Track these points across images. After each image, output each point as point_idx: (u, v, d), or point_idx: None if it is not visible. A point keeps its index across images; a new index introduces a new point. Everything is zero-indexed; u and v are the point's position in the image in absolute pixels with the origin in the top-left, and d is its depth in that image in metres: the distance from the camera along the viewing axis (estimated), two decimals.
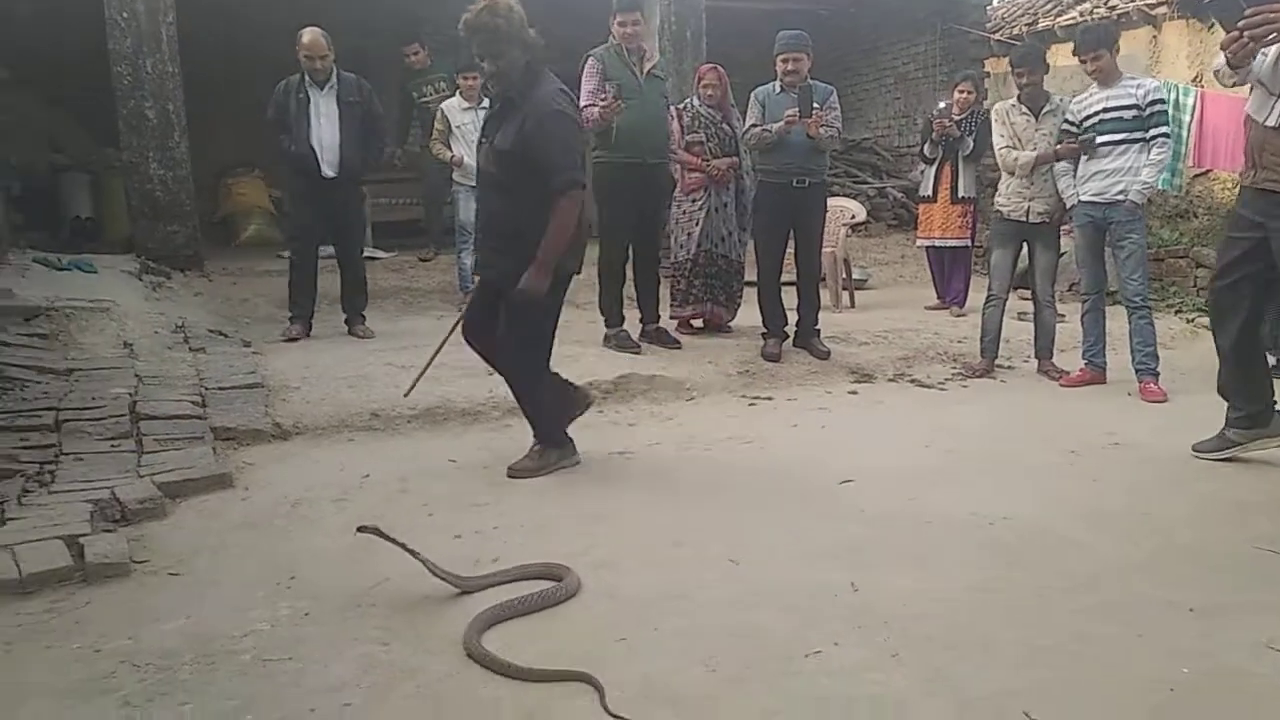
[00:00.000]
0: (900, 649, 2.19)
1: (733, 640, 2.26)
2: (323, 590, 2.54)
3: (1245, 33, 3.11)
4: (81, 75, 7.37)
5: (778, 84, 5.45)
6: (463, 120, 6.52)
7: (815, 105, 5.22)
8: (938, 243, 7.11)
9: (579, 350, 5.43)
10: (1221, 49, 3.33)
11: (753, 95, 5.53)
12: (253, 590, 2.54)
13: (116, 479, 3.25)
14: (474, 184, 6.43)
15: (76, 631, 2.32)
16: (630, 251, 5.56)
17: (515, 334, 3.47)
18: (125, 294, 5.53)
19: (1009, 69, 5.24)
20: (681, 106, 5.95)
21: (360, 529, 2.58)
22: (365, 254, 6.32)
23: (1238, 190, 3.85)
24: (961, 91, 6.93)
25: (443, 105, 6.70)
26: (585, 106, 5.21)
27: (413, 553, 2.51)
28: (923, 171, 7.32)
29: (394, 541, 2.52)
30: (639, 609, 2.43)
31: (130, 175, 6.62)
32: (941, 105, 7.13)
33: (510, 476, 3.51)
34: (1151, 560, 2.74)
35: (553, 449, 3.63)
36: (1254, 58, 3.26)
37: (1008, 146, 5.08)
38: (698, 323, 6.08)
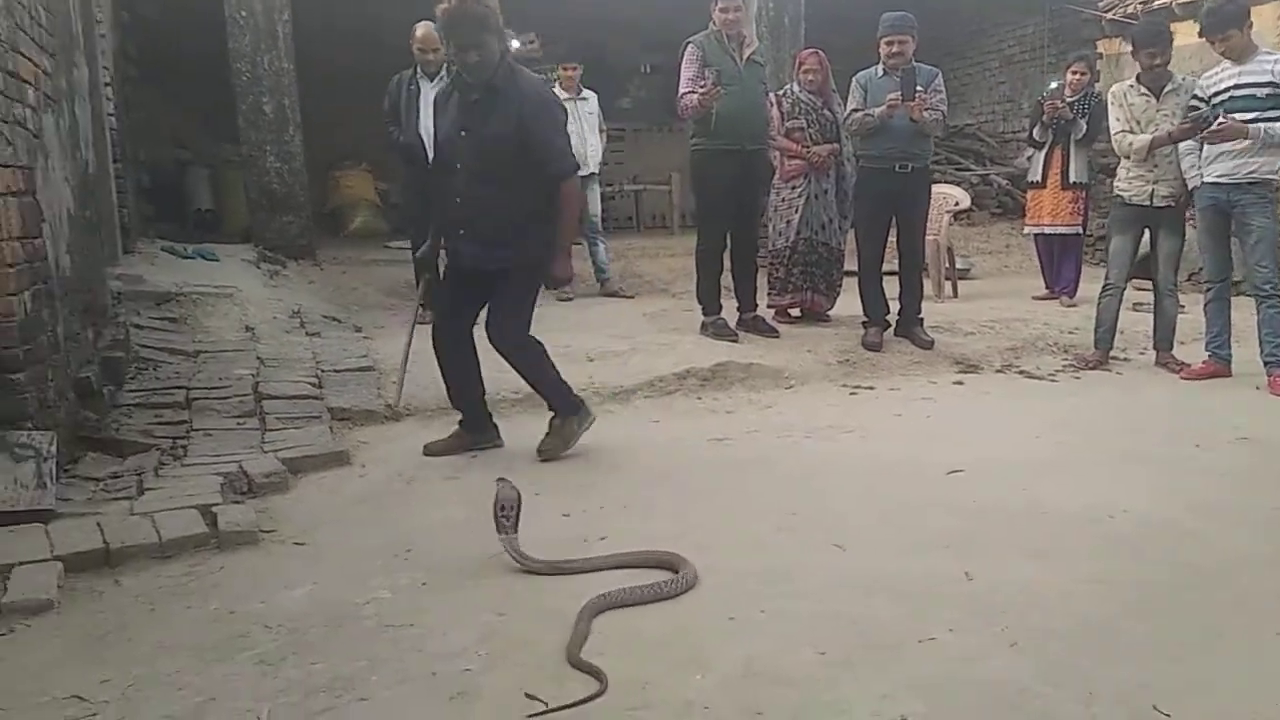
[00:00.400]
0: (1019, 638, 2.15)
1: (841, 624, 2.24)
2: (439, 562, 2.63)
3: None
4: (203, 73, 7.76)
5: (880, 67, 5.35)
6: None
7: (919, 88, 5.11)
8: (1047, 230, 6.86)
9: (676, 338, 5.46)
10: None
11: (854, 80, 5.45)
12: (373, 560, 2.64)
13: (243, 454, 3.43)
14: (586, 173, 6.70)
15: (213, 594, 2.46)
16: (728, 239, 5.52)
17: (519, 316, 3.51)
18: (246, 281, 5.81)
19: (1130, 49, 5.00)
20: (781, 93, 5.90)
21: (500, 480, 2.71)
22: None
23: None
24: (1075, 73, 6.67)
25: None
26: (684, 94, 5.26)
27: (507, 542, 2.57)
28: (1030, 157, 7.08)
29: (499, 521, 2.58)
30: (744, 591, 2.44)
31: (248, 168, 6.93)
32: (1052, 86, 6.89)
33: (543, 459, 3.52)
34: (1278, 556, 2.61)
35: (570, 416, 3.62)
36: None
37: (1124, 130, 4.86)
38: (795, 311, 6.01)
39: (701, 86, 5.08)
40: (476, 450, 3.64)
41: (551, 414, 3.64)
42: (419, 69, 5.67)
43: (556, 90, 6.66)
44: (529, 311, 3.57)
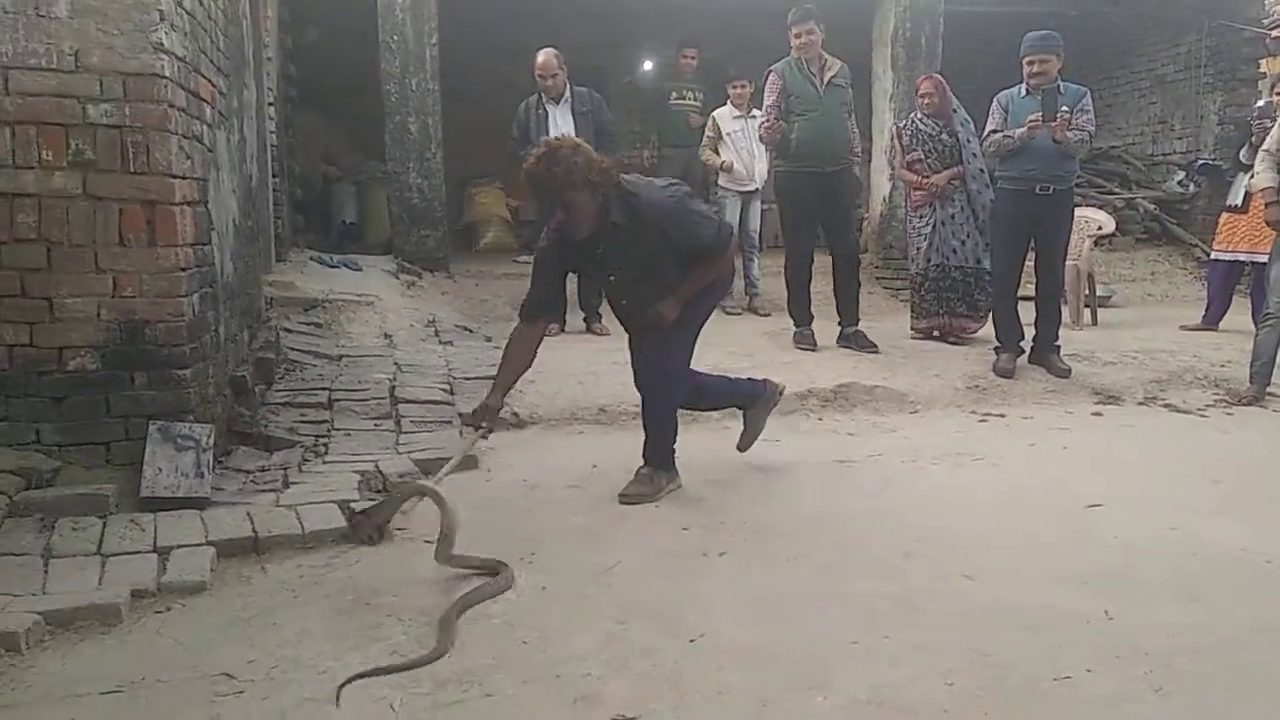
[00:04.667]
0: (1165, 684, 2.02)
1: (971, 656, 2.17)
2: (561, 567, 2.68)
3: None
4: (354, 94, 8.20)
5: (1024, 87, 5.19)
6: (733, 128, 6.79)
7: (1064, 108, 4.94)
8: (1243, 257, 6.47)
9: (798, 357, 5.42)
10: None
11: (995, 99, 5.31)
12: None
13: (379, 454, 3.59)
14: (742, 189, 6.86)
15: (350, 585, 2.58)
16: (815, 256, 5.74)
17: (660, 358, 3.35)
18: (385, 290, 6.09)
19: None
20: (903, 125, 6.10)
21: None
22: None
23: None
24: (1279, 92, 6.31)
25: (714, 113, 6.96)
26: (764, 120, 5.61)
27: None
28: (1182, 181, 6.72)
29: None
30: (869, 616, 2.39)
31: (392, 184, 7.27)
32: (1260, 104, 6.51)
33: (623, 503, 3.26)
34: None
35: (662, 472, 3.40)
36: None
37: (1269, 152, 4.62)
38: (936, 334, 6.01)
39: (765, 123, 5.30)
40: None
41: (642, 463, 3.42)
42: (542, 94, 5.90)
43: (727, 110, 6.80)
44: (681, 361, 3.43)
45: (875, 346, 5.58)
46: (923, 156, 5.85)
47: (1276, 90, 6.35)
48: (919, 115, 5.92)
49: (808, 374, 5.01)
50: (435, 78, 7.08)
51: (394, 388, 4.33)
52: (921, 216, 5.89)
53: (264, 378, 4.19)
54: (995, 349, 5.32)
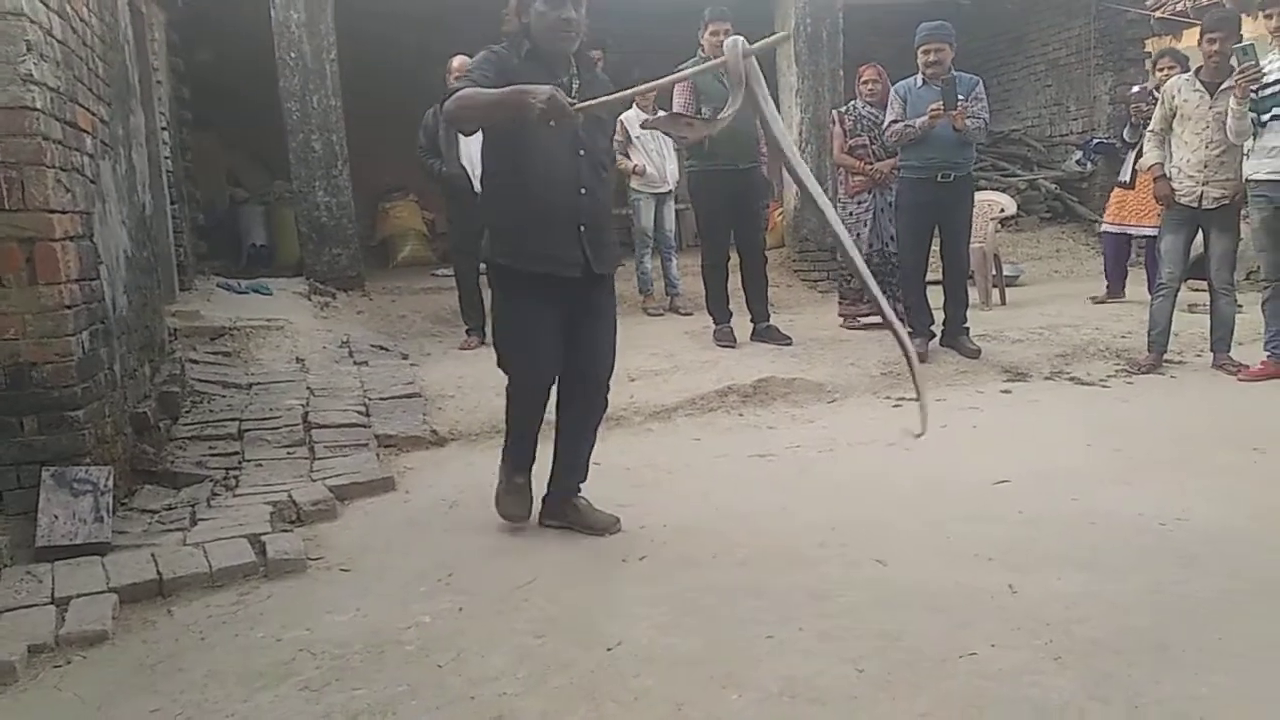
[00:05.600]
0: (1064, 653, 2.10)
1: (881, 641, 2.22)
2: (479, 586, 2.66)
3: None
4: (256, 113, 8.00)
5: (919, 77, 5.32)
6: (640, 131, 6.72)
7: (960, 97, 5.08)
8: (1132, 231, 6.74)
9: (718, 355, 5.47)
10: None
11: (893, 90, 5.44)
12: (415, 586, 2.68)
13: (293, 483, 3.51)
14: (654, 191, 6.87)
15: (260, 622, 2.51)
16: (734, 254, 5.78)
17: (613, 333, 3.08)
18: (297, 313, 5.95)
19: (1198, 38, 4.90)
20: (844, 110, 6.16)
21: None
22: None
23: None
24: (1161, 69, 6.55)
25: (620, 117, 6.90)
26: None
27: None
28: (1079, 160, 7.00)
29: None
30: (784, 609, 2.42)
31: (299, 204, 7.12)
32: (1136, 89, 6.79)
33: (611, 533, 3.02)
34: None
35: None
36: None
37: (1151, 131, 4.86)
38: (868, 320, 6.06)
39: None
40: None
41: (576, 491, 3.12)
42: None
43: (634, 113, 6.78)
44: None
45: (789, 339, 5.68)
46: (868, 143, 5.90)
47: (1159, 67, 6.61)
48: (861, 103, 5.98)
49: (727, 370, 5.06)
50: (337, 94, 6.96)
51: (307, 413, 4.24)
52: (860, 203, 5.94)
53: (169, 412, 4.06)
54: (908, 333, 5.43)
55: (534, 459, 3.12)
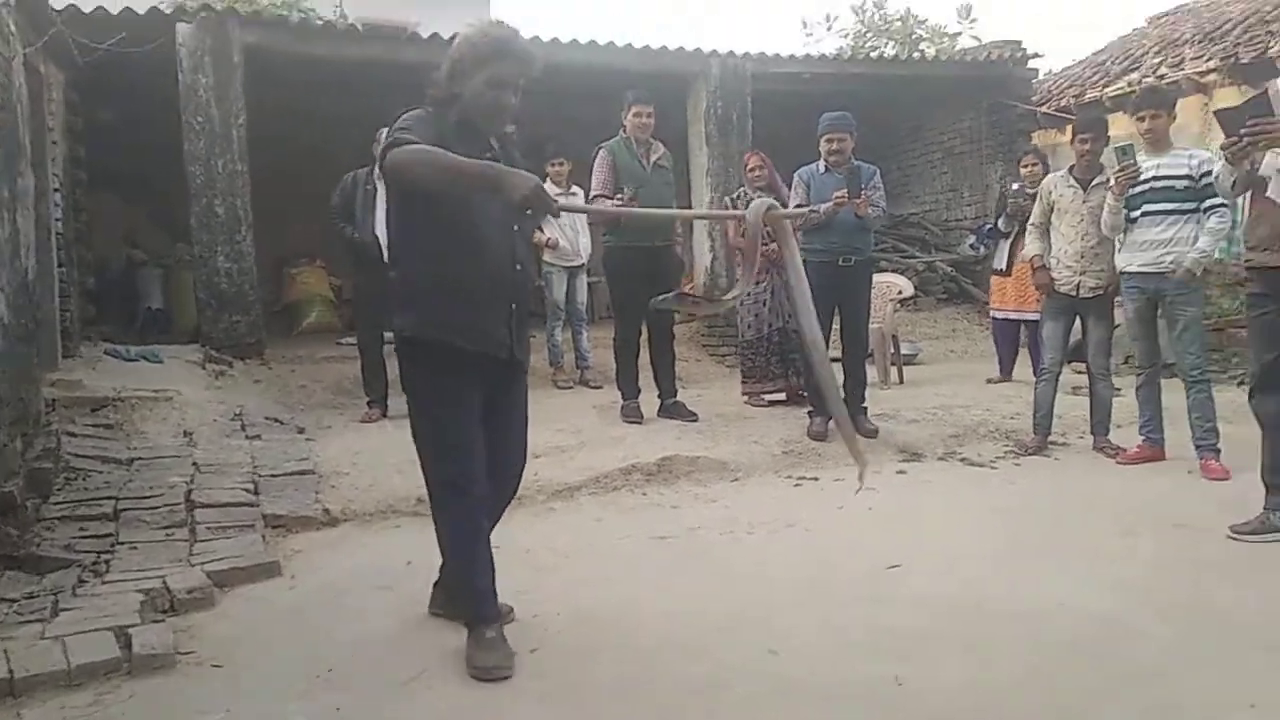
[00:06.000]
0: None
1: None
2: (360, 682, 2.55)
3: (1244, 136, 3.51)
4: (159, 175, 7.81)
5: (822, 164, 5.53)
6: None
7: (862, 186, 5.30)
8: (1013, 315, 7.08)
9: (624, 431, 5.48)
10: (1220, 149, 3.77)
11: (796, 175, 5.64)
12: (292, 682, 2.55)
13: (169, 568, 3.33)
14: (567, 264, 6.89)
15: None
16: (644, 330, 5.84)
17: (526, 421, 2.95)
18: (188, 383, 5.74)
19: (1070, 138, 5.27)
20: (735, 196, 6.31)
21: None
22: None
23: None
24: (1025, 166, 7.03)
25: None
26: (596, 195, 5.65)
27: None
28: (972, 245, 7.39)
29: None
30: (678, 698, 2.39)
31: (199, 268, 6.94)
32: (1015, 185, 7.21)
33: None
34: (1216, 654, 2.61)
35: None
36: (1250, 159, 3.65)
37: (1033, 224, 5.20)
38: (773, 397, 6.21)
39: (618, 199, 5.36)
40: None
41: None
42: (377, 169, 5.78)
43: (548, 187, 6.83)
44: None
45: (695, 415, 5.74)
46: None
47: (1023, 164, 7.13)
48: (749, 188, 6.17)
49: (633, 448, 5.06)
50: (244, 159, 6.86)
51: (190, 491, 4.05)
52: (759, 283, 6.08)
53: (39, 491, 3.83)
54: (809, 413, 5.55)
55: (496, 594, 2.73)
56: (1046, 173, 6.99)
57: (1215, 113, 4.10)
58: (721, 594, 3.18)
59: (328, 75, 8.00)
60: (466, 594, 2.74)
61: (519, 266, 2.71)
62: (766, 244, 5.97)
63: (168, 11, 6.94)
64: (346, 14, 10.56)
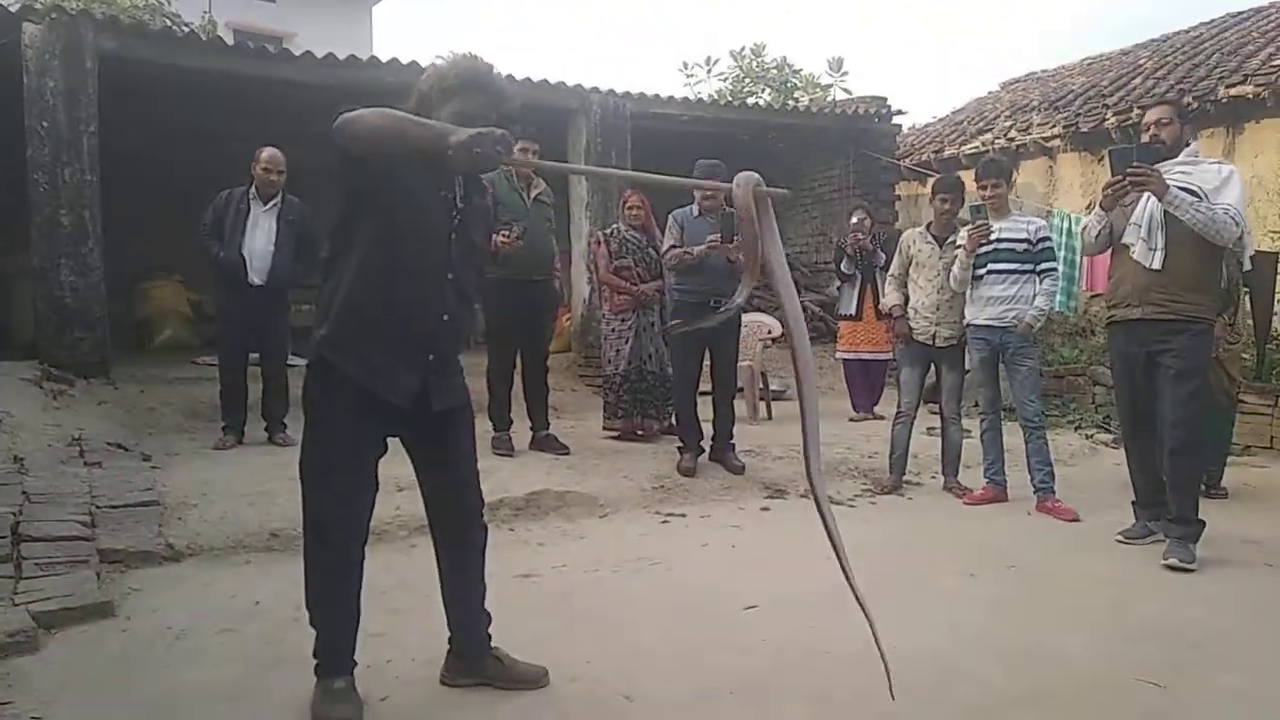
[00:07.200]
0: None
1: None
2: None
3: (1127, 176, 3.74)
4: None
5: (695, 207, 5.67)
6: None
7: (733, 230, 5.44)
8: (865, 356, 7.50)
9: (495, 463, 5.41)
10: (1104, 190, 3.95)
11: (671, 217, 5.75)
12: None
13: None
14: None
15: None
16: (518, 361, 5.83)
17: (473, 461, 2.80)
18: (21, 404, 5.35)
19: (929, 194, 5.60)
20: (609, 233, 6.35)
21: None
22: (289, 362, 6.28)
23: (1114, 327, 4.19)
24: (856, 220, 7.64)
25: None
26: None
27: None
28: (839, 288, 7.78)
29: None
30: None
31: (39, 281, 6.49)
32: (854, 221, 7.66)
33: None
34: (1038, 693, 2.78)
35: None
36: (1123, 205, 3.88)
37: (892, 275, 5.49)
38: (609, 433, 6.29)
39: (505, 234, 5.31)
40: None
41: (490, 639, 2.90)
42: (256, 189, 5.64)
43: None
44: None
45: (566, 449, 5.75)
46: (632, 264, 6.17)
47: (855, 216, 7.62)
48: (624, 225, 6.24)
49: (502, 482, 5.00)
50: (94, 169, 6.48)
51: (18, 524, 3.76)
52: (624, 320, 6.17)
53: None
54: (679, 449, 5.64)
55: (354, 646, 2.62)
56: (875, 224, 7.76)
57: (1108, 150, 4.49)
58: (581, 637, 3.17)
59: (200, 88, 7.66)
60: (317, 641, 2.64)
61: (446, 318, 2.56)
62: (635, 283, 6.11)
63: (13, 10, 6.51)
64: (216, 21, 10.18)
